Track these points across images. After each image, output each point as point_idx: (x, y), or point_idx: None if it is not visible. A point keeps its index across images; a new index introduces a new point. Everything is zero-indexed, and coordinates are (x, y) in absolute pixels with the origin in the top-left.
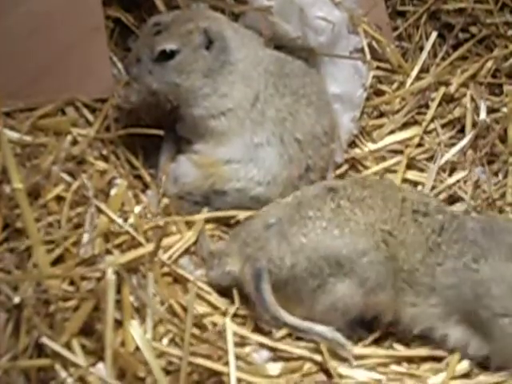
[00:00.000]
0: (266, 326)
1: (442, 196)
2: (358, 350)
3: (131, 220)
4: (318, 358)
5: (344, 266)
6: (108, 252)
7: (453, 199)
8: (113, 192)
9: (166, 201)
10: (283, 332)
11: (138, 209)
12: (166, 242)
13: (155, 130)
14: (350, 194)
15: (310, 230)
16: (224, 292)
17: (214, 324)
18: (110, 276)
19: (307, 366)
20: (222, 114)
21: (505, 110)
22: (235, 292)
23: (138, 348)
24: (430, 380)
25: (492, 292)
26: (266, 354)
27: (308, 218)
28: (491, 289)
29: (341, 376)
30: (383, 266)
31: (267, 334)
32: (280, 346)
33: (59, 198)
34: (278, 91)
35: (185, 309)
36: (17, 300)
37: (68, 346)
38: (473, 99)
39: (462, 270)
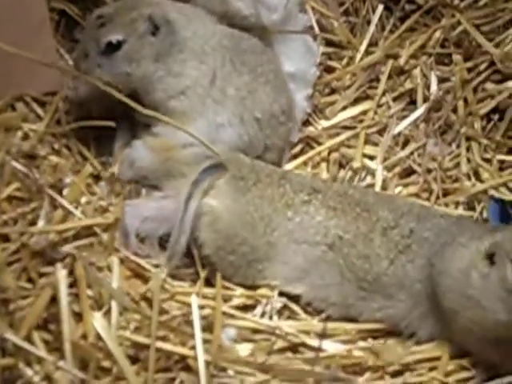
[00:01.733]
0: None
1: (397, 169)
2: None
3: (86, 211)
4: (287, 331)
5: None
6: (63, 245)
7: (407, 172)
8: (66, 186)
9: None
10: (239, 301)
11: (94, 199)
12: None
13: (107, 121)
14: (327, 199)
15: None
16: (182, 277)
17: (177, 308)
18: (60, 271)
19: (279, 344)
20: (181, 93)
21: (454, 79)
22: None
23: (101, 339)
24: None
25: (442, 286)
26: (232, 332)
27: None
28: (441, 283)
29: (312, 349)
30: (327, 264)
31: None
32: (248, 324)
33: (11, 197)
34: (236, 69)
35: (144, 298)
36: None
37: (30, 342)
38: (423, 71)
39: (426, 266)
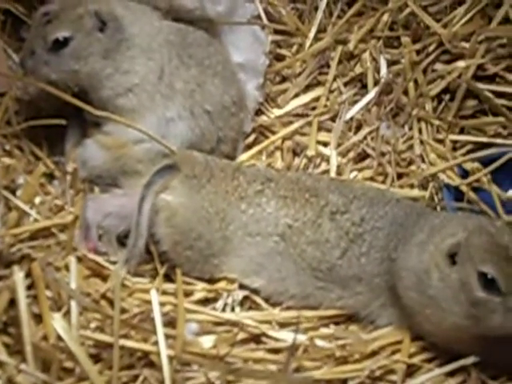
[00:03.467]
0: None
1: (351, 155)
2: (286, 313)
3: (41, 211)
4: (248, 322)
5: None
6: (19, 247)
7: (361, 157)
8: (19, 186)
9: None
10: (201, 295)
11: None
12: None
13: (57, 119)
14: (279, 188)
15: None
16: (141, 274)
17: (137, 305)
18: (18, 273)
19: (241, 335)
20: (128, 91)
21: (404, 61)
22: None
23: (62, 340)
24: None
25: (403, 282)
26: (194, 326)
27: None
28: (403, 279)
29: (274, 340)
30: (280, 256)
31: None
32: (209, 317)
33: None
34: (183, 62)
35: (104, 296)
36: None
37: None
38: (372, 54)
39: (386, 261)
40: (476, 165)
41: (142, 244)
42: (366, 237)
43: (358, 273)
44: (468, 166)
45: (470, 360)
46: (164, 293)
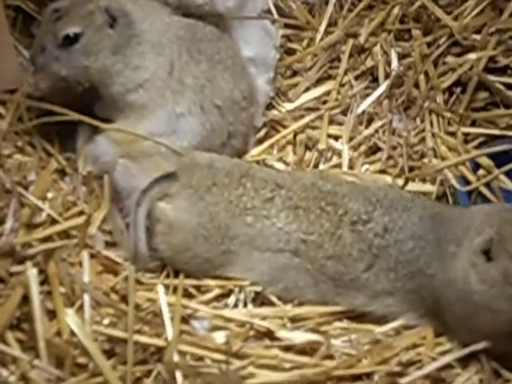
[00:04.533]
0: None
1: (362, 148)
2: (298, 310)
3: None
4: (258, 322)
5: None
6: (30, 244)
7: (372, 150)
8: (31, 183)
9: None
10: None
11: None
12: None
13: (69, 115)
14: (290, 196)
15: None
16: (152, 270)
17: (149, 300)
18: (31, 269)
19: (252, 332)
20: (139, 87)
21: (414, 54)
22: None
23: (75, 335)
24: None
25: (448, 298)
26: (206, 322)
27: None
28: (448, 295)
29: (286, 339)
30: (296, 270)
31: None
32: (222, 313)
33: None
34: (193, 58)
35: (116, 292)
36: None
37: (4, 342)
38: (383, 48)
39: (418, 276)
40: (488, 161)
41: (142, 248)
42: (390, 251)
43: (388, 288)
44: (480, 159)
45: (481, 345)
46: (175, 288)
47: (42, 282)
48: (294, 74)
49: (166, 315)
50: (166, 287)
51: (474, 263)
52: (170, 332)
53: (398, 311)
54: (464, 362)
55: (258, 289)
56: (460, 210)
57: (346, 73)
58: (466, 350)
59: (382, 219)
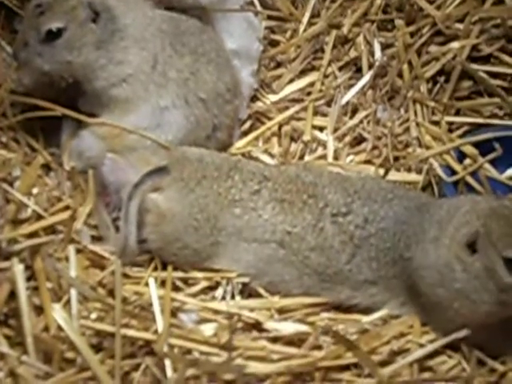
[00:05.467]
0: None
1: (347, 139)
2: (285, 301)
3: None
4: (246, 314)
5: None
6: (16, 240)
7: (357, 141)
8: (16, 179)
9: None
10: (198, 288)
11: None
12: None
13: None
14: (276, 188)
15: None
16: (139, 264)
17: (136, 293)
18: (17, 265)
19: (241, 323)
20: (122, 81)
21: (398, 44)
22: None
23: (63, 330)
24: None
25: (426, 280)
26: (194, 315)
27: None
28: (425, 277)
29: (273, 330)
30: (281, 262)
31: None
32: (209, 305)
33: None
34: (177, 51)
35: (104, 286)
36: None
37: None
38: (366, 38)
39: (399, 261)
40: (472, 150)
41: (132, 241)
42: (372, 240)
43: (371, 277)
44: (465, 148)
45: (463, 333)
46: (162, 282)
47: (29, 278)
48: (278, 65)
49: (157, 308)
50: (154, 280)
51: (458, 254)
52: (160, 324)
53: (381, 300)
54: (450, 350)
55: (246, 280)
56: (445, 199)
57: (329, 64)
58: (450, 338)
59: (361, 210)
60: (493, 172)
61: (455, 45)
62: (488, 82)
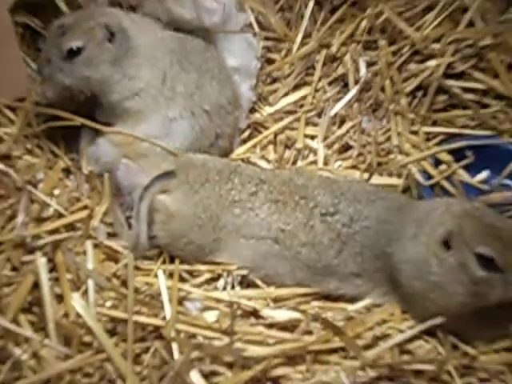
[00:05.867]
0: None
1: (335, 146)
2: (280, 291)
3: (60, 202)
4: (245, 302)
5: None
6: (39, 236)
7: (344, 148)
8: (40, 181)
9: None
10: (204, 276)
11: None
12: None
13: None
14: (271, 190)
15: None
16: (150, 257)
17: (147, 284)
18: (40, 259)
19: (239, 311)
20: (135, 95)
21: (380, 62)
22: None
23: (81, 317)
24: (351, 307)
25: (405, 273)
26: (198, 303)
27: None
28: (404, 271)
29: (269, 317)
30: (276, 257)
31: (196, 285)
32: (212, 295)
33: None
34: (184, 68)
35: (118, 277)
36: None
37: (17, 324)
38: (352, 57)
39: (381, 256)
40: (447, 157)
41: (143, 238)
42: (357, 237)
43: (357, 271)
44: (440, 155)
45: (438, 320)
46: (170, 274)
47: (51, 270)
48: (274, 81)
49: (165, 297)
50: (163, 272)
51: (434, 250)
52: (168, 311)
53: (365, 291)
54: (427, 335)
55: (244, 272)
56: (423, 201)
57: (320, 79)
58: (426, 324)
59: (347, 210)
60: (465, 177)
61: (432, 63)
62: (461, 96)
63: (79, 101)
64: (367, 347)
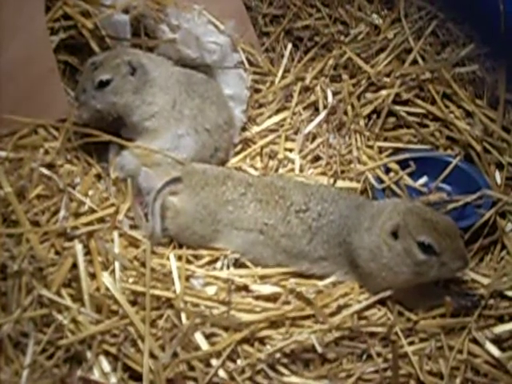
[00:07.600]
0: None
1: (309, 157)
2: (265, 271)
3: (93, 201)
4: (238, 279)
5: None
6: (77, 227)
7: (316, 159)
8: (77, 184)
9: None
10: (206, 258)
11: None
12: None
13: (103, 137)
14: (257, 192)
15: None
16: (163, 244)
17: (161, 265)
18: (78, 245)
19: (233, 286)
20: (152, 117)
21: (344, 91)
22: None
23: (109, 290)
24: (320, 283)
25: (362, 257)
26: (201, 280)
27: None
28: (361, 255)
29: (256, 291)
30: (261, 245)
31: (199, 266)
32: (212, 273)
33: (39, 195)
34: (189, 95)
35: (138, 259)
36: (15, 267)
37: (60, 296)
38: (322, 87)
39: (343, 244)
40: (395, 166)
41: (158, 229)
42: (324, 229)
43: (324, 255)
44: (390, 165)
45: (388, 293)
46: (179, 257)
47: (86, 254)
48: (260, 106)
49: (175, 275)
50: (174, 256)
51: (385, 239)
52: (177, 286)
53: (331, 271)
54: (379, 305)
55: (237, 256)
56: (376, 201)
57: (296, 105)
58: (378, 296)
59: (316, 208)
60: (409, 181)
61: (384, 92)
62: (406, 118)
63: (108, 121)
64: (332, 314)
